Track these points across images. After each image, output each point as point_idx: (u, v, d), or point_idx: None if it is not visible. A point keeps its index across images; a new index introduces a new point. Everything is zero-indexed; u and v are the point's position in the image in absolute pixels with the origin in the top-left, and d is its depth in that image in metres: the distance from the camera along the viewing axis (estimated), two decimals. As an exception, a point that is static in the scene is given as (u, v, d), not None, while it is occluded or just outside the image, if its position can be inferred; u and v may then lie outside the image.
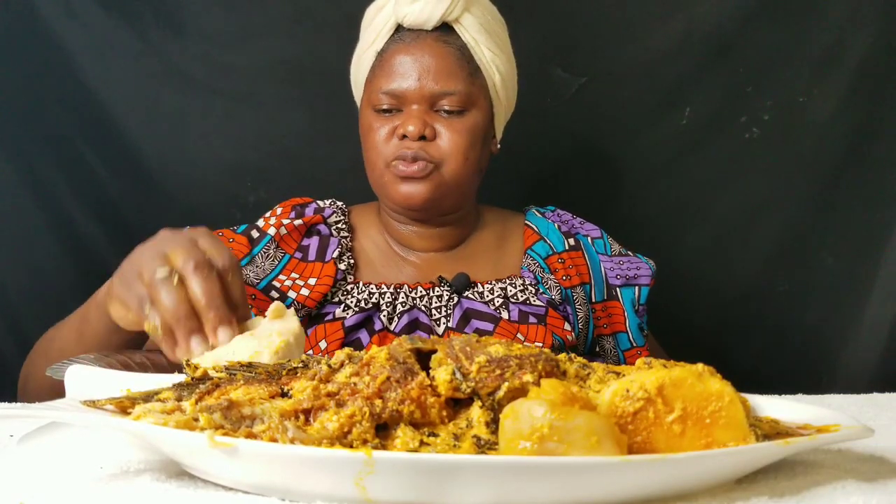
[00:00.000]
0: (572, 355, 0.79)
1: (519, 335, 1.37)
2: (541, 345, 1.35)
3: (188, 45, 1.79)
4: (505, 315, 1.40)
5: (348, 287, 1.43)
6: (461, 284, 1.43)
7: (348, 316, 1.38)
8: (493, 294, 1.43)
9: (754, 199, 1.82)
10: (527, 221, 1.53)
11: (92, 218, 1.77)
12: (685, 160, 1.82)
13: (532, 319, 1.40)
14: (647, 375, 0.66)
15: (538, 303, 1.43)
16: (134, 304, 0.96)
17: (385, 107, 1.41)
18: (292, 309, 1.02)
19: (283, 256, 1.45)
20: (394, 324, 1.39)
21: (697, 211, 1.84)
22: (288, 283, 1.42)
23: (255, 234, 1.47)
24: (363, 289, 1.42)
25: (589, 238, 1.51)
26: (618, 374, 0.75)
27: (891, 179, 1.79)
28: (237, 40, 1.79)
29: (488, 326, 1.39)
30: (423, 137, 1.38)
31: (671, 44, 1.80)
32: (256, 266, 1.44)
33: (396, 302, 1.41)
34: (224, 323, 0.93)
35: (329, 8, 1.77)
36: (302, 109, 1.78)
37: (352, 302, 1.40)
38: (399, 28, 1.42)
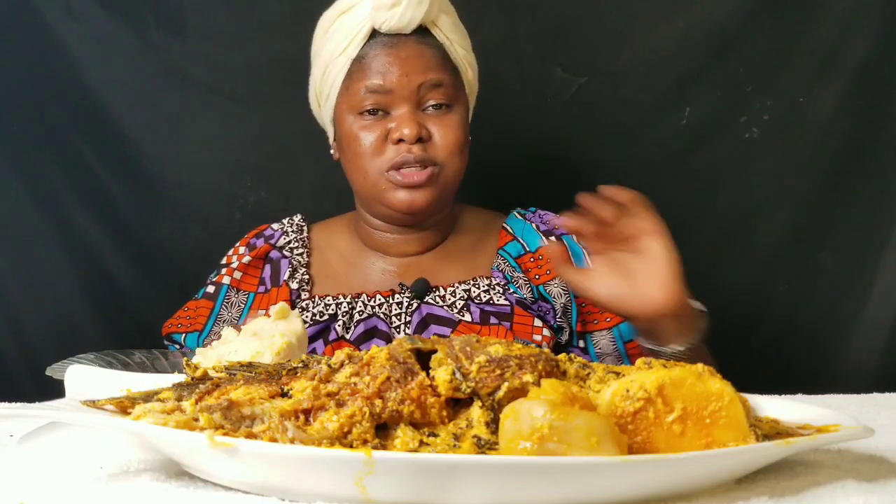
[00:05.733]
0: (572, 355, 0.79)
1: None
2: None
3: (188, 45, 1.78)
4: (467, 317, 1.38)
5: (304, 303, 1.41)
6: (420, 290, 1.40)
7: None
8: (454, 297, 1.40)
9: (754, 199, 1.82)
10: (505, 224, 1.49)
11: (92, 218, 1.77)
12: (685, 160, 1.82)
13: (493, 320, 1.37)
14: (647, 375, 0.66)
15: (502, 302, 1.39)
16: None
17: (370, 106, 1.37)
18: (297, 310, 1.02)
19: (246, 298, 1.45)
20: (350, 332, 1.37)
21: (697, 211, 1.83)
22: None
23: (211, 289, 1.47)
24: (318, 302, 1.41)
25: (573, 237, 1.46)
26: (618, 374, 0.75)
27: (891, 179, 1.78)
28: (237, 40, 1.79)
29: (446, 331, 1.36)
30: (419, 139, 1.35)
31: (671, 44, 1.79)
32: (223, 320, 1.44)
33: (354, 311, 1.39)
34: None
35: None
36: (302, 109, 1.78)
37: (307, 316, 1.39)
38: (374, 33, 1.38)
